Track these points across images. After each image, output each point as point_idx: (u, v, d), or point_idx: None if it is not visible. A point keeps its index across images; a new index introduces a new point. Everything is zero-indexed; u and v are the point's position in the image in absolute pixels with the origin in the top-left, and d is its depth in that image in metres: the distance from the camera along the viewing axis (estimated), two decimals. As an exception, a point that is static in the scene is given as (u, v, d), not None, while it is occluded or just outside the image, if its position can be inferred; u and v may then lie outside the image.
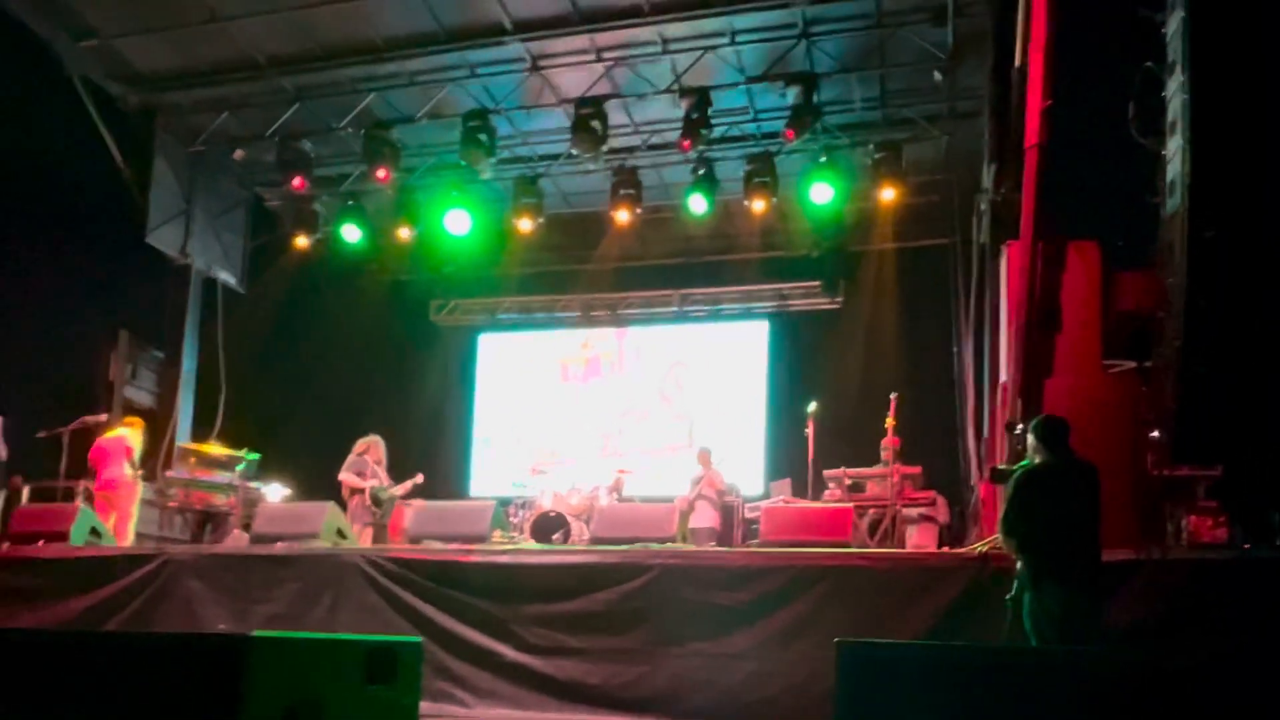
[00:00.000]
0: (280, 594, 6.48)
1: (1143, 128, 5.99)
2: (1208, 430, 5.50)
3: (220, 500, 9.34)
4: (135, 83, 10.26)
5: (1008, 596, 4.84)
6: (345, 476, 8.61)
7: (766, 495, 9.52)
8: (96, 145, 10.04)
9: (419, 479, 8.97)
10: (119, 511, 8.29)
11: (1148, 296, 6.25)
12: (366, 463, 8.65)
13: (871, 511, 8.22)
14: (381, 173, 10.24)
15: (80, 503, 8.39)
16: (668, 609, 5.77)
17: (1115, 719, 2.95)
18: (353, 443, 8.82)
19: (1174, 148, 5.61)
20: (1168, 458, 5.84)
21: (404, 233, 11.10)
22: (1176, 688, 2.95)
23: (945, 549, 7.48)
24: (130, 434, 8.75)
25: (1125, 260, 6.81)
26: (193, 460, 9.49)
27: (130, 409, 10.58)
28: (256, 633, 2.74)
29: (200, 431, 10.64)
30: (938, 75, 9.34)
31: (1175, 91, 5.61)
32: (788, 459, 10.28)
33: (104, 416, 9.59)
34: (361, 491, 8.55)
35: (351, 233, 11.22)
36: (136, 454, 8.67)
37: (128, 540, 8.11)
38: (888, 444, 8.25)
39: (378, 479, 8.68)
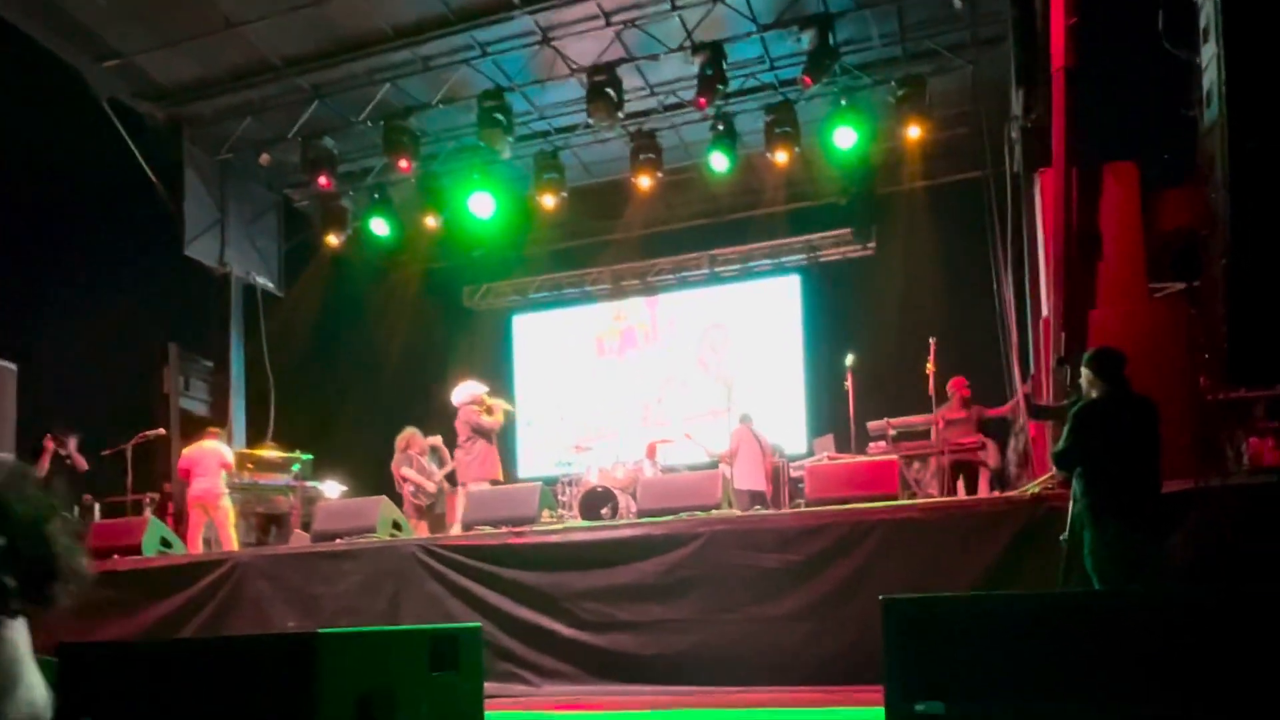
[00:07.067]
0: (344, 588, 6.69)
1: (1174, 37, 5.69)
2: (1262, 348, 5.27)
3: (281, 502, 9.62)
4: (160, 97, 10.40)
5: (1062, 536, 4.76)
6: (403, 472, 8.85)
7: (810, 453, 9.47)
8: (129, 164, 10.23)
9: (450, 465, 9.11)
10: (218, 521, 8.37)
11: (1190, 213, 5.99)
12: (411, 456, 8.84)
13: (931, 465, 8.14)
14: (403, 163, 10.26)
15: (149, 514, 8.70)
16: (719, 575, 5.81)
17: (1177, 658, 2.84)
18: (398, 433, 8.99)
19: (1208, 56, 5.31)
20: (1222, 380, 5.64)
21: (431, 221, 11.15)
22: (1249, 621, 2.82)
23: (996, 493, 7.37)
24: (224, 446, 8.85)
25: (1164, 178, 6.53)
26: (250, 466, 9.76)
27: (187, 419, 10.89)
28: (322, 630, 2.84)
29: (254, 436, 10.92)
30: (957, 2, 8.99)
31: (1206, -4, 5.31)
32: (829, 414, 10.19)
33: (162, 430, 9.90)
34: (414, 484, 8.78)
35: (380, 226, 11.32)
36: (233, 465, 8.82)
37: (233, 546, 8.25)
38: (952, 388, 8.17)
39: (422, 470, 8.86)
